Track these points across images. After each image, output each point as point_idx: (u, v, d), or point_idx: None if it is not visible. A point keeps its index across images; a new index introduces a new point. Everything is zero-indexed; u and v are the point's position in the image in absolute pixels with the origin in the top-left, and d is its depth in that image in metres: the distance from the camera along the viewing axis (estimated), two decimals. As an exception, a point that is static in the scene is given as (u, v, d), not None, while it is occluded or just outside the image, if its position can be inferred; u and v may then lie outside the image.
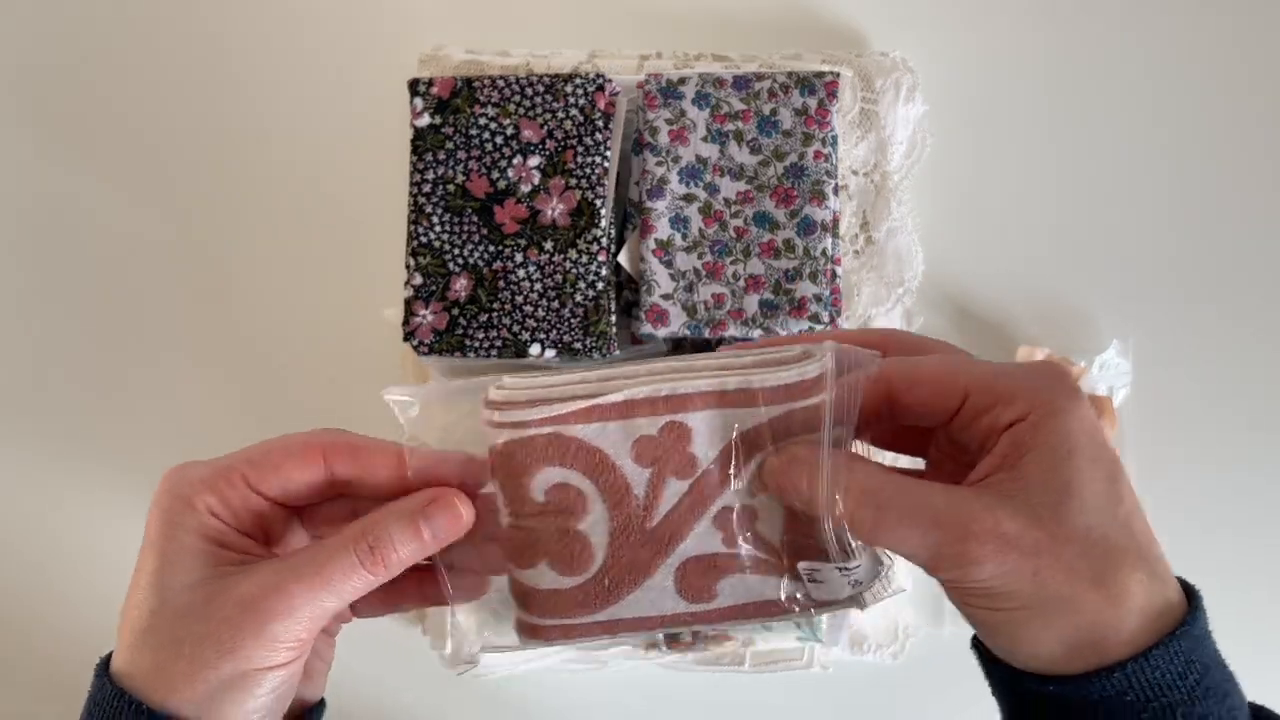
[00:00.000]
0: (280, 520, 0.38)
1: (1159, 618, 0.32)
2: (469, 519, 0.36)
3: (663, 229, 0.61)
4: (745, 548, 0.36)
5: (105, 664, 0.35)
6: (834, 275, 0.61)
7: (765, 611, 0.37)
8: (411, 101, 0.62)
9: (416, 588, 0.40)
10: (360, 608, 0.40)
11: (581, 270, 0.60)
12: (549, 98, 0.61)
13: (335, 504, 0.39)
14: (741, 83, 0.62)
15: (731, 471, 0.36)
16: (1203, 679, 0.32)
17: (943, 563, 0.32)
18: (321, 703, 0.40)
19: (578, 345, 0.60)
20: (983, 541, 0.31)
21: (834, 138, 0.62)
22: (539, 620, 0.37)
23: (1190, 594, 0.33)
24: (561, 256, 0.61)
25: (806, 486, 0.34)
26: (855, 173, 0.66)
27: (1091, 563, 0.31)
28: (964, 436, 0.34)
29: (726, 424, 0.35)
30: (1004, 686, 0.35)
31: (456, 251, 0.61)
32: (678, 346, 0.63)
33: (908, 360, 0.35)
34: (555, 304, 0.61)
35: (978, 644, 0.36)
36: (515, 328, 0.61)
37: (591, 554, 0.36)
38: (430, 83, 0.62)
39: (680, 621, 0.37)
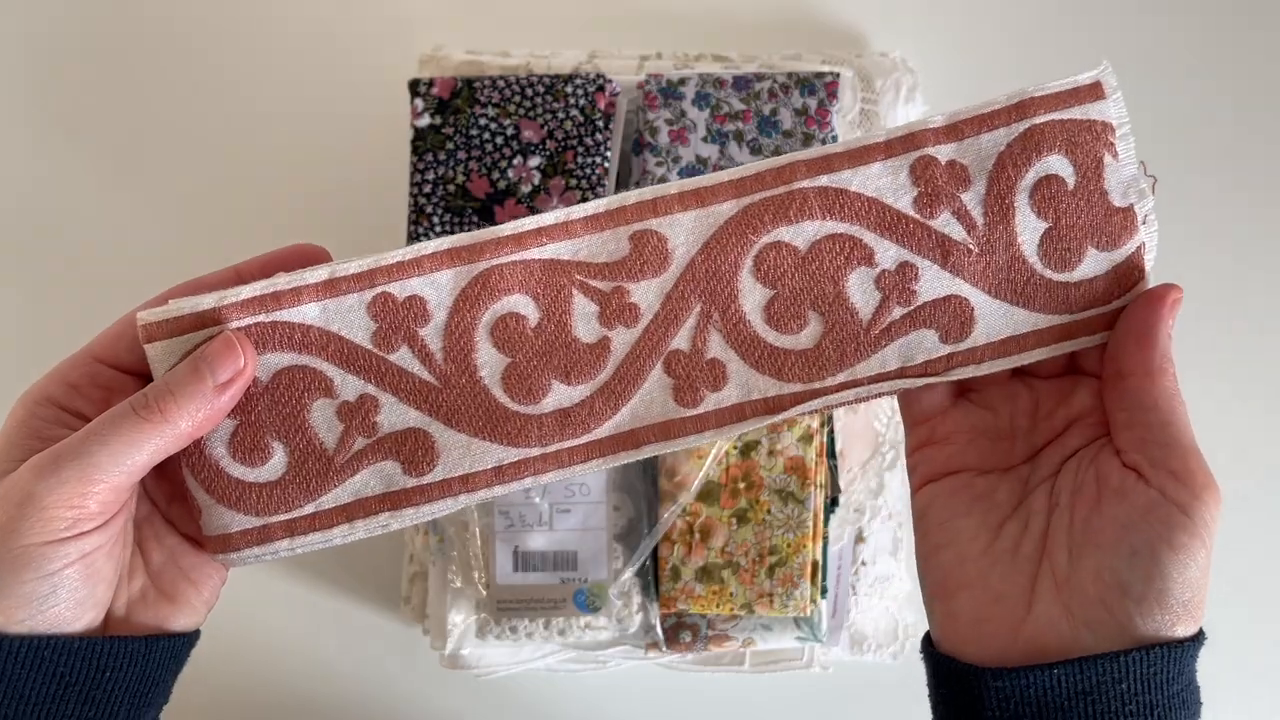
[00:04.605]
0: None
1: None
2: (249, 362, 0.35)
3: (663, 229, 0.61)
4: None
5: None
6: (834, 275, 0.61)
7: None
8: (411, 101, 0.62)
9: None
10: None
11: (581, 270, 0.61)
12: (549, 98, 0.61)
13: None
14: (741, 83, 0.62)
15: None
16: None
17: (1185, 484, 0.34)
18: (196, 633, 0.38)
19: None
20: (1217, 497, 0.34)
21: (834, 138, 0.62)
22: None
23: None
24: (561, 257, 0.61)
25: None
26: (855, 173, 0.66)
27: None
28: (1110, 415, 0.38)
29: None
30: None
31: (456, 252, 0.62)
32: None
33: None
34: (555, 304, 0.61)
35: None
36: (515, 328, 0.61)
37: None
38: (430, 83, 0.62)
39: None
